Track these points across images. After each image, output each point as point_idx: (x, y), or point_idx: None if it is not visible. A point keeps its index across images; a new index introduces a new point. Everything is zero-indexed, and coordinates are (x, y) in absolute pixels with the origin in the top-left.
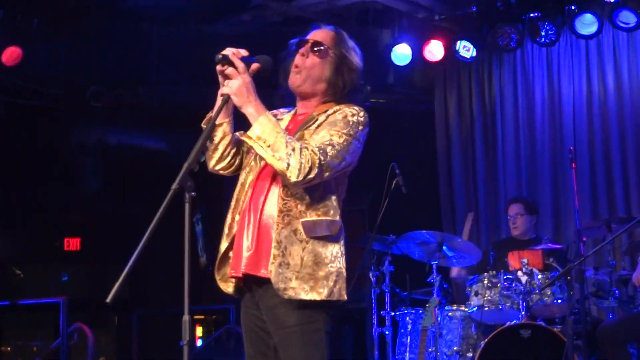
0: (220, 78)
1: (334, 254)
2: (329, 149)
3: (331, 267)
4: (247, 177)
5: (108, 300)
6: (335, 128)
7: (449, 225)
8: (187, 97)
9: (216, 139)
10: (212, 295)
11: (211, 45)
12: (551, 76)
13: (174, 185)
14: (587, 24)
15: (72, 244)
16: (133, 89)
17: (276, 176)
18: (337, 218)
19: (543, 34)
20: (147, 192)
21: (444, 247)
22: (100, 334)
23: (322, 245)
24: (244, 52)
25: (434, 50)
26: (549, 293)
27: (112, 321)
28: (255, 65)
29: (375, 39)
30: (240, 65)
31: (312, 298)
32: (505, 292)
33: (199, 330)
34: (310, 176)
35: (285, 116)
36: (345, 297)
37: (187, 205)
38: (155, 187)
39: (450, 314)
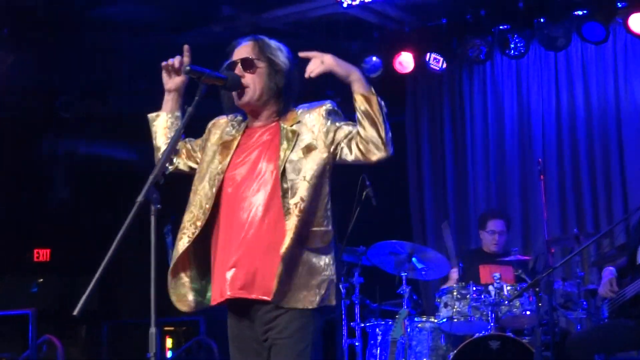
0: (164, 75)
1: (327, 262)
2: None
3: (323, 275)
4: (207, 187)
5: (75, 313)
6: (340, 121)
7: (420, 236)
8: (156, 107)
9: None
10: None
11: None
12: (520, 88)
13: (139, 198)
14: (555, 36)
15: (42, 255)
16: (102, 99)
17: (259, 186)
18: (330, 227)
19: (512, 46)
20: (118, 203)
21: (414, 259)
22: (70, 346)
23: (315, 256)
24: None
25: (404, 62)
26: (517, 304)
27: (81, 333)
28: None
29: (345, 51)
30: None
31: (304, 306)
32: (474, 304)
33: (169, 342)
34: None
35: (234, 129)
36: (334, 302)
37: (152, 218)
38: (125, 198)
39: (419, 325)
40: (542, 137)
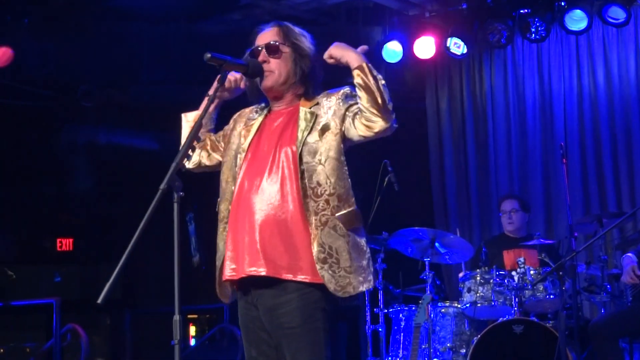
0: (215, 84)
1: (365, 242)
2: None
3: (367, 254)
4: (233, 170)
5: (99, 301)
6: (354, 101)
7: (441, 222)
8: (177, 96)
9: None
10: (205, 294)
11: (201, 44)
12: (542, 72)
13: (162, 185)
14: (576, 19)
15: (65, 244)
16: (123, 88)
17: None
18: (355, 207)
19: (533, 30)
20: (138, 192)
21: (436, 244)
22: (94, 334)
23: (359, 236)
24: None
25: (425, 47)
26: (541, 289)
27: (105, 321)
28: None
29: (365, 37)
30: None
31: (366, 288)
32: (497, 288)
33: (192, 330)
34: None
35: (257, 114)
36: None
37: (175, 205)
38: (146, 187)
39: (443, 310)
40: (563, 121)
